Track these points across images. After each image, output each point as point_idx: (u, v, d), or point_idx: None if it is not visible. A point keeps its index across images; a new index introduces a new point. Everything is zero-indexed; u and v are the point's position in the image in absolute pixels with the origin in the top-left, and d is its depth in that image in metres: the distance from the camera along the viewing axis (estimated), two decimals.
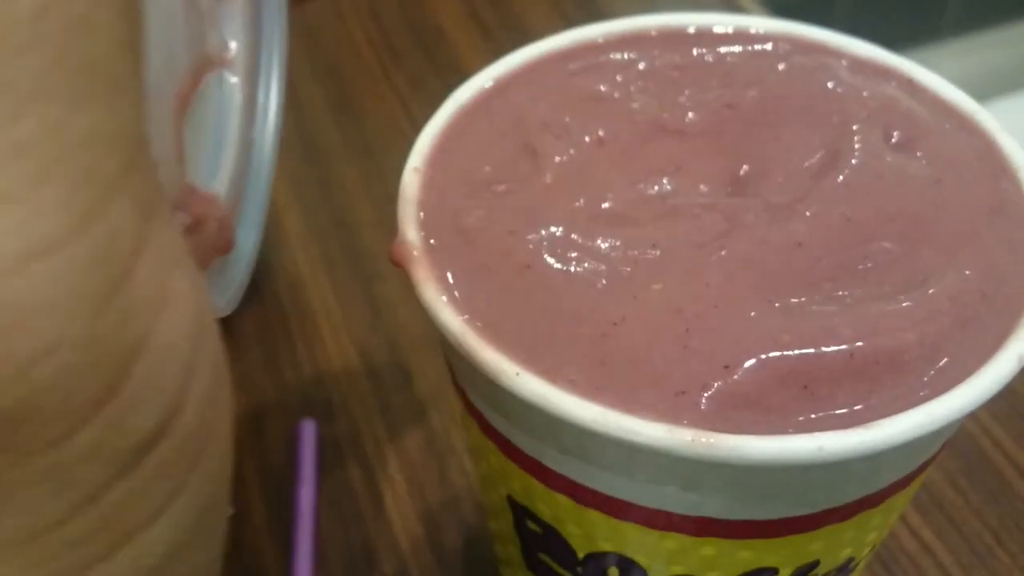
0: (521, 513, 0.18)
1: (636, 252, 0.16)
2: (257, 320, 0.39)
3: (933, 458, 0.17)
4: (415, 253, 0.16)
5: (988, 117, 0.18)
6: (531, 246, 0.16)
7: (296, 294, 0.40)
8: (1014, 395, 0.36)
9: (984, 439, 0.35)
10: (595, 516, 0.17)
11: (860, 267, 0.16)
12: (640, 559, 0.17)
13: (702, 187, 0.18)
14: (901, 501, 0.17)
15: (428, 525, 0.32)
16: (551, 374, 0.15)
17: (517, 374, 0.15)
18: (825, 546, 0.17)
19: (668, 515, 0.16)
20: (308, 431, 0.35)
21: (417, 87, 0.50)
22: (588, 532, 0.17)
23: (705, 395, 0.14)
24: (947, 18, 1.49)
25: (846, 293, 0.16)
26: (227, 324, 0.39)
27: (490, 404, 0.17)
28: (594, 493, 0.16)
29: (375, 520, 0.33)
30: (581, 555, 0.18)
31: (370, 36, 0.54)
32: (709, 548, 0.16)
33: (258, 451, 0.35)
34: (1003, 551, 0.32)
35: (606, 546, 0.17)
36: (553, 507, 0.17)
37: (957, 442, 0.34)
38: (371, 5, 0.56)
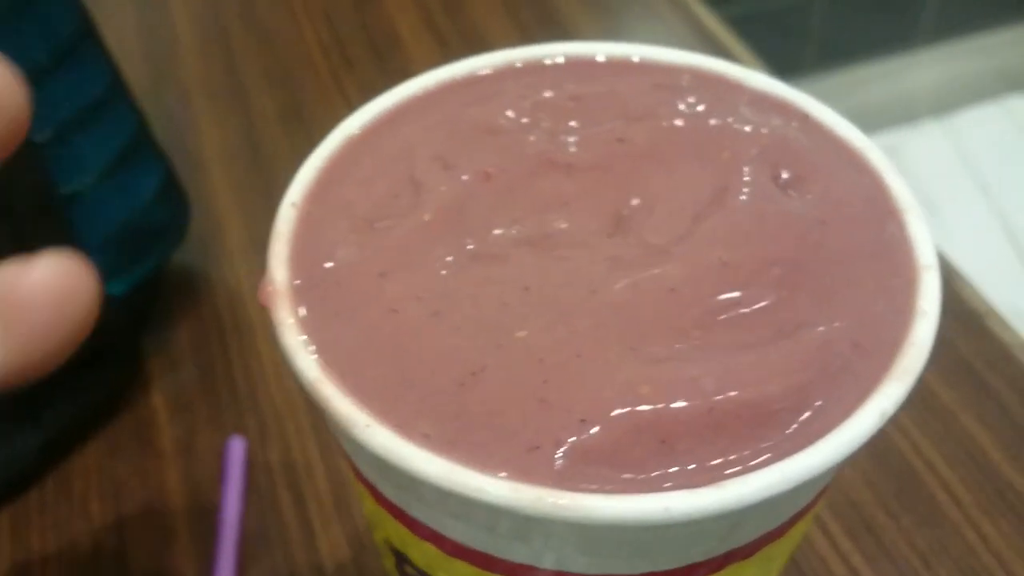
0: (400, 558, 0.18)
1: (507, 296, 0.16)
2: (193, 335, 0.39)
3: (810, 506, 0.17)
4: (278, 294, 0.16)
5: (879, 155, 0.18)
6: (399, 289, 0.16)
7: (235, 308, 0.40)
8: (950, 416, 0.36)
9: (917, 461, 0.35)
10: (462, 567, 0.16)
11: (732, 314, 0.16)
12: None
13: (585, 226, 0.17)
14: (779, 550, 0.17)
15: (355, 548, 0.32)
16: (406, 427, 0.14)
17: (367, 426, 0.14)
18: None
19: (532, 569, 0.15)
20: (236, 449, 0.34)
21: (369, 95, 0.50)
22: None
23: (559, 451, 0.14)
24: (921, 27, 1.50)
25: (715, 342, 0.15)
26: (162, 337, 0.38)
27: (352, 454, 0.16)
28: (457, 545, 0.16)
29: (301, 542, 0.32)
30: None
31: (323, 41, 0.53)
32: None
33: (187, 468, 0.34)
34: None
35: None
36: (424, 555, 0.17)
37: (891, 465, 0.34)
38: (325, 9, 0.55)
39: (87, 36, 0.34)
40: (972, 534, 0.33)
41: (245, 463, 0.34)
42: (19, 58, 0.30)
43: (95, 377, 0.36)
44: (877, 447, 0.35)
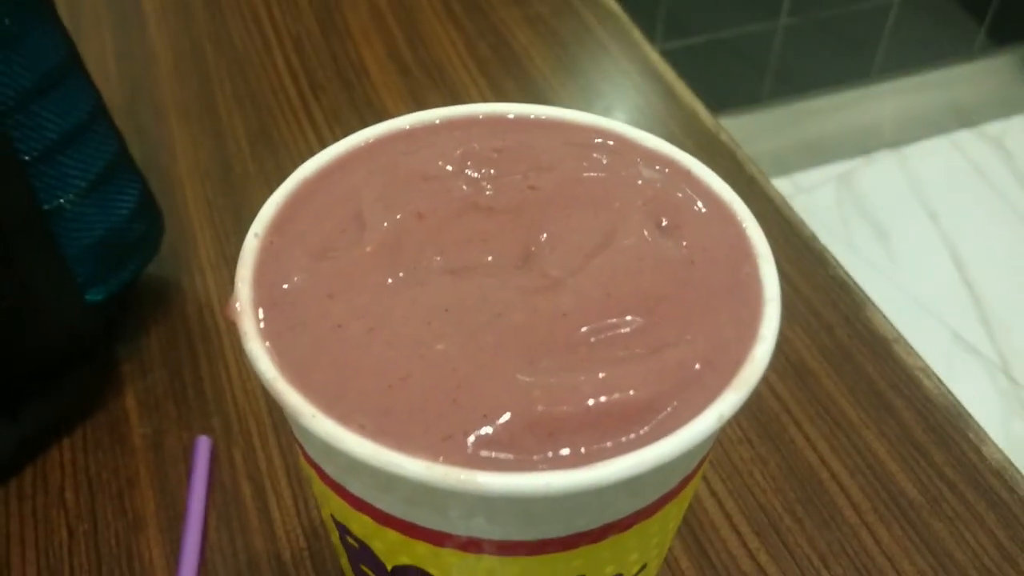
0: (342, 530, 0.22)
1: (430, 315, 0.19)
2: (164, 341, 0.41)
3: (676, 491, 0.20)
4: (243, 310, 0.20)
5: (744, 208, 0.22)
6: (343, 308, 0.20)
7: (203, 317, 0.43)
8: (854, 431, 0.39)
9: (823, 471, 0.38)
10: (392, 535, 0.20)
11: (612, 335, 0.19)
12: (433, 571, 0.20)
13: (498, 259, 0.21)
14: (654, 528, 0.21)
15: (311, 539, 0.35)
16: (345, 419, 0.18)
17: (313, 416, 0.18)
18: (585, 563, 0.20)
19: (447, 536, 0.19)
20: (202, 447, 0.37)
21: (334, 120, 0.53)
22: (389, 548, 0.20)
23: (467, 440, 0.18)
24: (877, 61, 1.55)
25: (595, 357, 0.19)
26: (135, 342, 0.41)
27: (302, 439, 0.20)
28: (386, 515, 0.19)
29: (262, 533, 0.35)
30: (389, 567, 0.21)
31: (293, 68, 0.56)
32: (484, 563, 0.20)
33: (156, 464, 0.37)
34: (828, 574, 0.35)
35: (405, 560, 0.20)
36: (361, 525, 0.20)
37: (798, 473, 0.38)
38: (296, 36, 0.59)
39: (72, 66, 0.37)
40: (867, 537, 0.36)
41: (210, 460, 0.37)
42: (8, 85, 0.33)
43: (71, 378, 0.38)
44: (787, 458, 0.38)
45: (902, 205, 1.49)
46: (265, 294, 0.20)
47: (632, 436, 0.18)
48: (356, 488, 0.19)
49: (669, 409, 0.18)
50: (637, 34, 0.60)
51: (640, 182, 0.22)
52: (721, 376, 0.19)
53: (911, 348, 0.43)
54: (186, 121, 0.53)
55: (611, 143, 0.24)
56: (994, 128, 1.62)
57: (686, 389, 0.19)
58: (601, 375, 0.18)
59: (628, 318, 0.19)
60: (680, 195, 0.22)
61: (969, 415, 0.41)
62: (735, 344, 0.19)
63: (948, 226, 1.45)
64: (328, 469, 0.20)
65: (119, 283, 0.39)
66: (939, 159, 1.56)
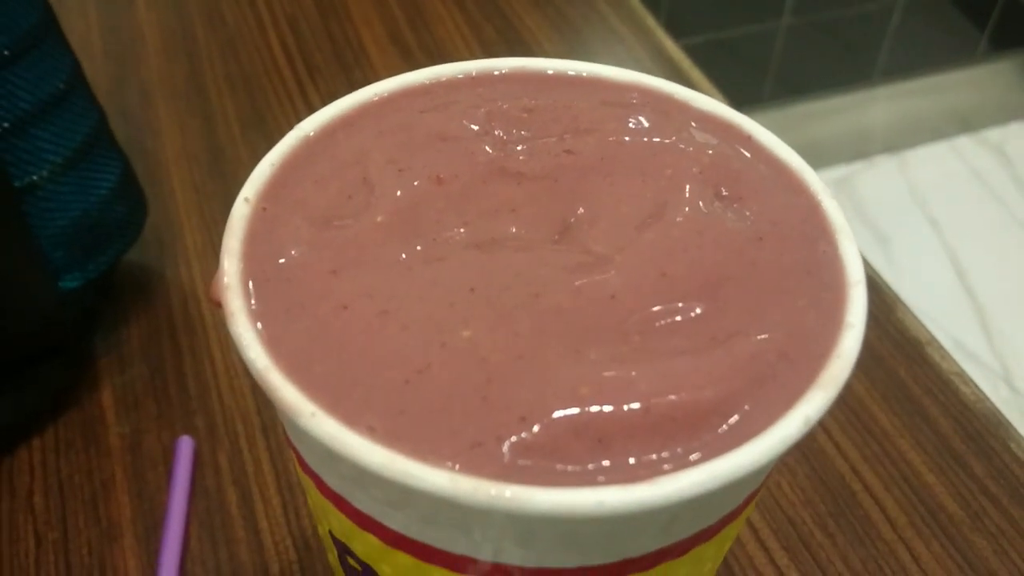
0: (342, 549, 0.18)
1: (453, 296, 0.16)
2: (145, 333, 0.39)
3: (739, 509, 0.17)
4: (230, 287, 0.16)
5: (815, 178, 0.19)
6: (350, 287, 0.16)
7: (188, 308, 0.40)
8: (888, 440, 0.37)
9: (855, 482, 0.36)
10: (403, 558, 0.17)
11: (669, 321, 0.16)
12: None
13: (531, 231, 0.18)
14: (710, 552, 0.18)
15: (301, 552, 0.32)
16: (351, 419, 0.15)
17: (313, 415, 0.15)
18: None
19: (470, 561, 0.16)
20: (184, 449, 0.34)
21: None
22: (399, 573, 0.17)
23: (500, 447, 0.15)
24: (877, 65, 1.54)
25: (652, 347, 0.16)
26: (114, 334, 0.38)
27: (299, 443, 0.17)
28: (398, 535, 0.16)
29: (248, 544, 0.32)
30: None
31: (288, 49, 0.53)
32: None
33: (133, 467, 0.34)
34: None
35: None
36: (366, 546, 0.17)
37: (829, 485, 0.35)
38: (291, 17, 0.56)
39: (48, 29, 0.34)
40: (905, 554, 0.34)
41: (193, 463, 0.34)
42: None
43: (44, 373, 0.35)
44: (817, 468, 0.36)
45: (902, 210, 1.47)
46: (257, 269, 0.17)
47: (700, 444, 0.15)
48: (362, 502, 0.16)
49: (743, 411, 0.15)
50: (651, 20, 0.58)
51: (692, 147, 0.19)
52: (802, 372, 0.16)
53: (945, 352, 0.41)
54: (174, 102, 0.50)
55: (657, 103, 0.20)
56: (995, 134, 1.60)
57: (761, 387, 0.15)
58: (659, 370, 0.15)
59: (688, 302, 0.16)
60: (740, 163, 0.19)
61: (1010, 424, 0.39)
62: (817, 334, 0.16)
63: (948, 232, 1.44)
64: (329, 479, 0.17)
65: (97, 269, 0.36)
66: (939, 164, 1.55)
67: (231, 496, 0.34)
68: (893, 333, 0.41)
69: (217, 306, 0.17)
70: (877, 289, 0.43)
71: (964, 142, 1.60)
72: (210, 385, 0.37)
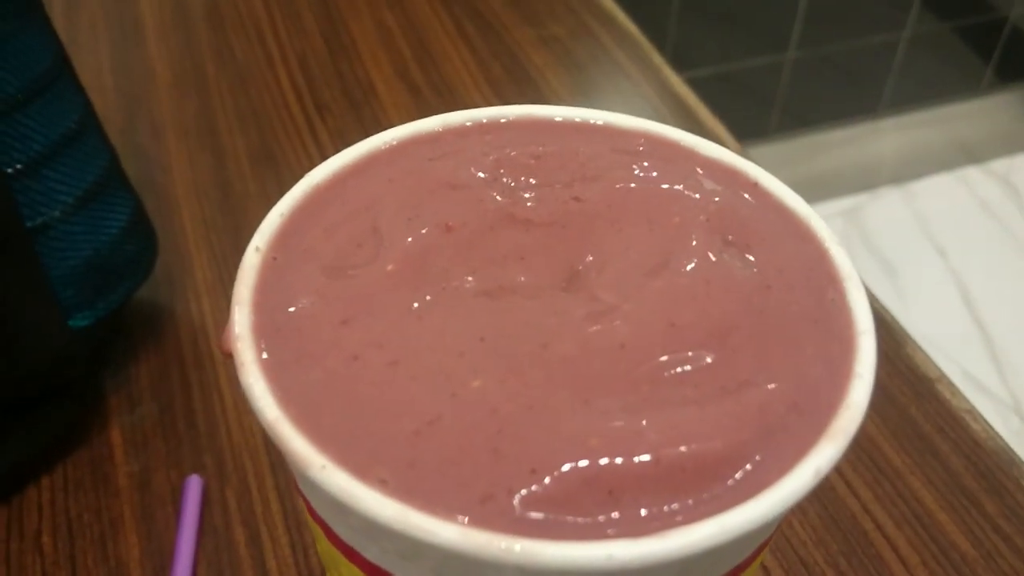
0: None
1: (463, 346, 0.16)
2: (154, 371, 0.39)
3: (751, 559, 0.17)
4: (241, 337, 0.16)
5: (822, 224, 0.19)
6: (360, 336, 0.16)
7: (197, 344, 0.40)
8: (899, 478, 0.37)
9: (866, 521, 0.36)
10: None
11: (678, 371, 0.16)
12: None
13: (540, 279, 0.18)
14: None
15: None
16: (362, 471, 0.15)
17: (323, 467, 0.15)
18: None
19: None
20: (193, 488, 0.34)
21: (340, 140, 0.50)
22: None
23: (511, 500, 0.14)
24: (884, 97, 1.54)
25: (661, 397, 0.16)
26: (123, 372, 0.38)
27: (309, 494, 0.17)
28: None
29: None
30: None
31: (297, 86, 0.54)
32: None
33: (142, 506, 0.34)
34: None
35: None
36: None
37: (841, 524, 0.35)
38: (301, 53, 0.56)
39: (61, 70, 0.34)
40: None
41: (201, 502, 0.34)
42: None
43: (52, 411, 0.35)
44: (828, 507, 0.35)
45: (910, 241, 1.47)
46: (267, 319, 0.17)
47: (710, 496, 0.15)
48: (373, 554, 0.16)
49: (753, 462, 0.15)
50: (657, 58, 0.58)
51: (699, 194, 0.19)
52: (811, 422, 0.16)
53: (956, 388, 0.41)
54: (184, 139, 0.50)
55: (664, 150, 0.21)
56: (1001, 165, 1.61)
57: (771, 438, 0.15)
58: (669, 420, 0.15)
59: (697, 352, 0.16)
60: (747, 210, 0.19)
61: (1022, 461, 0.39)
62: (826, 384, 0.16)
63: (957, 263, 1.43)
64: (339, 530, 0.17)
65: (107, 308, 0.36)
66: (946, 195, 1.55)
67: (239, 535, 0.33)
68: (903, 370, 0.41)
69: (228, 356, 0.17)
70: (886, 326, 0.43)
71: (970, 173, 1.60)
72: (219, 421, 0.37)
